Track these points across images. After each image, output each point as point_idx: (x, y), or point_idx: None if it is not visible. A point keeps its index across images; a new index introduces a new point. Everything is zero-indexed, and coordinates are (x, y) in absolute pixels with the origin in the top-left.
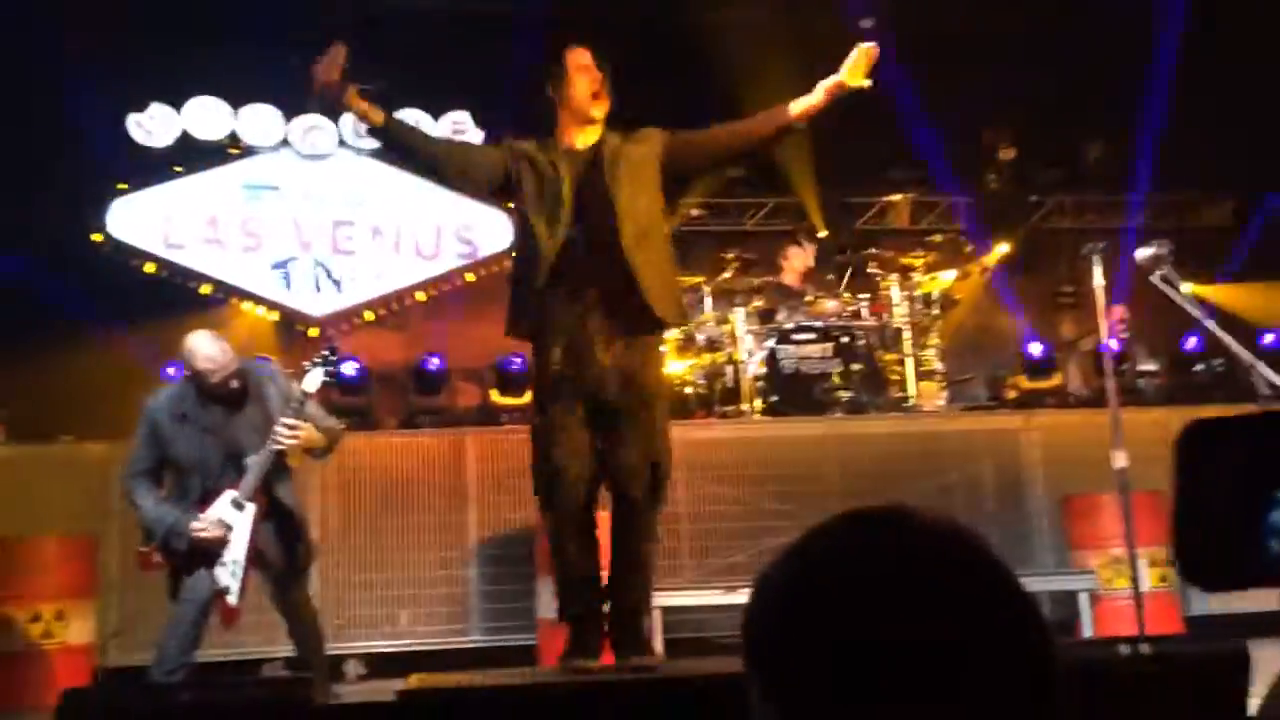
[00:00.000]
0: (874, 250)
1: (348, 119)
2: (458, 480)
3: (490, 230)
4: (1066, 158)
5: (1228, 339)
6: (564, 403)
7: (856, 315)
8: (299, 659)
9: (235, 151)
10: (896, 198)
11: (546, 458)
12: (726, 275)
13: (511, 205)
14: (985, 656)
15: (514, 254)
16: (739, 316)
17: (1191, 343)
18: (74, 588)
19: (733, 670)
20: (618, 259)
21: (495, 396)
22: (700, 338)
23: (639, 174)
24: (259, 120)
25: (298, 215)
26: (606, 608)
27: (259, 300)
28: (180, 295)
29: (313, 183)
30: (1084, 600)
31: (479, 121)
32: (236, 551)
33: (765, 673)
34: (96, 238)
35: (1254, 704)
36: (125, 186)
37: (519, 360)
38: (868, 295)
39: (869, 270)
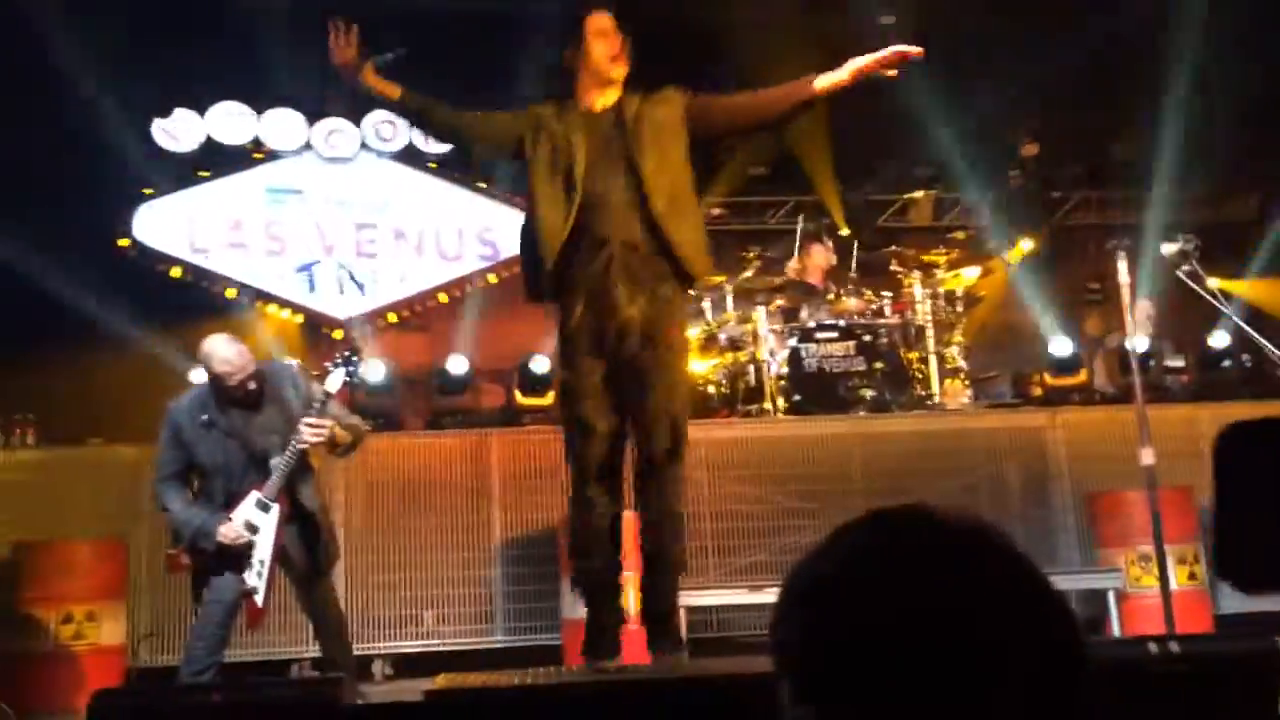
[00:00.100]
0: (896, 247)
1: (369, 122)
2: (482, 481)
3: (511, 231)
4: (1090, 153)
5: (1255, 334)
6: (589, 359)
7: (879, 313)
8: (326, 659)
9: (259, 156)
10: (918, 195)
11: (572, 413)
12: (748, 274)
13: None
14: (1017, 655)
15: (526, 219)
16: (761, 315)
17: (1218, 338)
18: (105, 589)
19: (758, 670)
20: (644, 219)
21: (519, 397)
22: (722, 337)
23: (663, 136)
24: (282, 124)
25: (321, 219)
26: (624, 596)
27: (283, 303)
28: (206, 299)
29: (336, 186)
30: (1111, 598)
31: None
32: (262, 552)
33: (796, 674)
34: (123, 243)
35: None
36: (151, 191)
37: (542, 360)
38: (890, 293)
39: (891, 268)
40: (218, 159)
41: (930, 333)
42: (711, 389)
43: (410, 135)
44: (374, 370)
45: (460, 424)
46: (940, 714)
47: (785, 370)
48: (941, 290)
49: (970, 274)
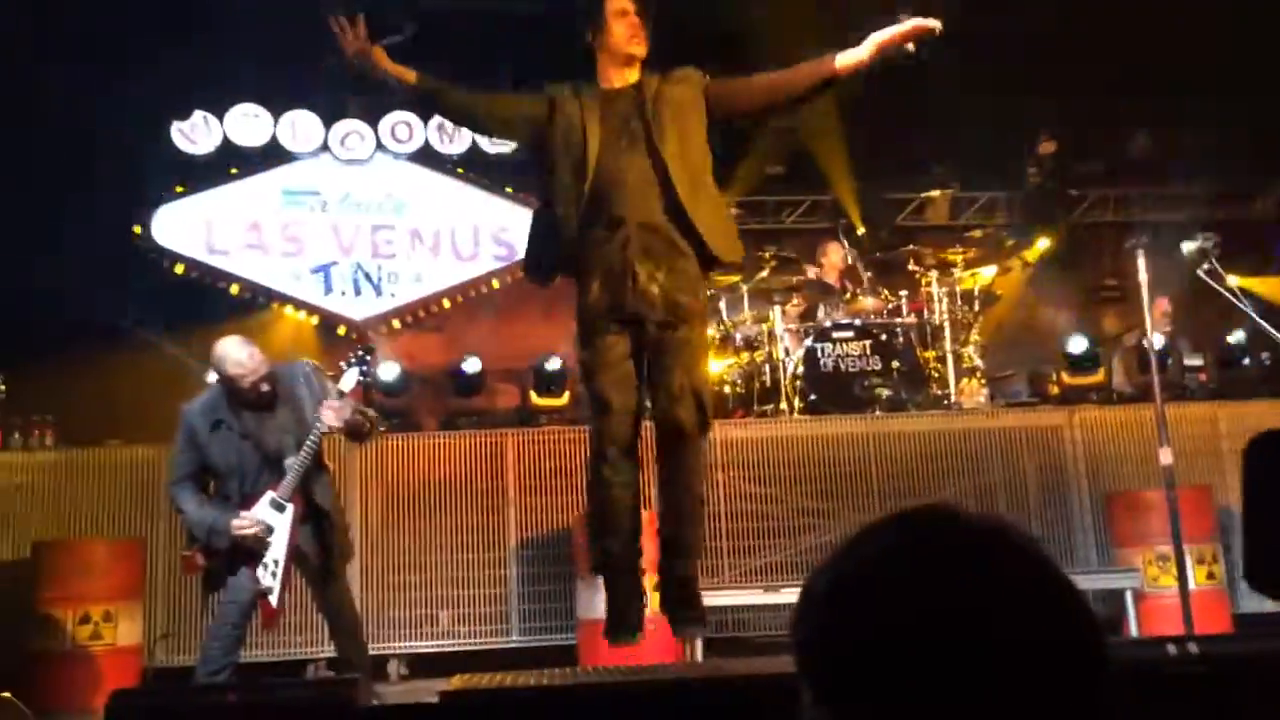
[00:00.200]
0: (913, 246)
1: (385, 124)
2: (497, 481)
3: (526, 232)
4: (1108, 151)
5: (1274, 332)
6: (607, 335)
7: (896, 312)
8: (342, 660)
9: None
10: (935, 193)
11: (592, 390)
12: (764, 274)
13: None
14: (1038, 655)
15: (541, 199)
16: (777, 315)
17: (1237, 336)
18: (122, 590)
19: (775, 670)
20: (664, 200)
21: (534, 398)
22: (738, 337)
23: (683, 116)
24: (299, 126)
25: (338, 220)
26: (644, 570)
27: (300, 305)
28: (224, 300)
29: (352, 187)
30: (1129, 598)
31: None
32: (277, 552)
33: (817, 676)
34: (137, 229)
35: None
36: (171, 193)
37: (557, 361)
38: (907, 292)
39: (908, 267)
40: (235, 161)
41: (947, 332)
42: (727, 389)
43: (426, 135)
44: (389, 371)
45: (475, 424)
46: (961, 714)
47: (801, 370)
48: (958, 289)
49: (987, 273)
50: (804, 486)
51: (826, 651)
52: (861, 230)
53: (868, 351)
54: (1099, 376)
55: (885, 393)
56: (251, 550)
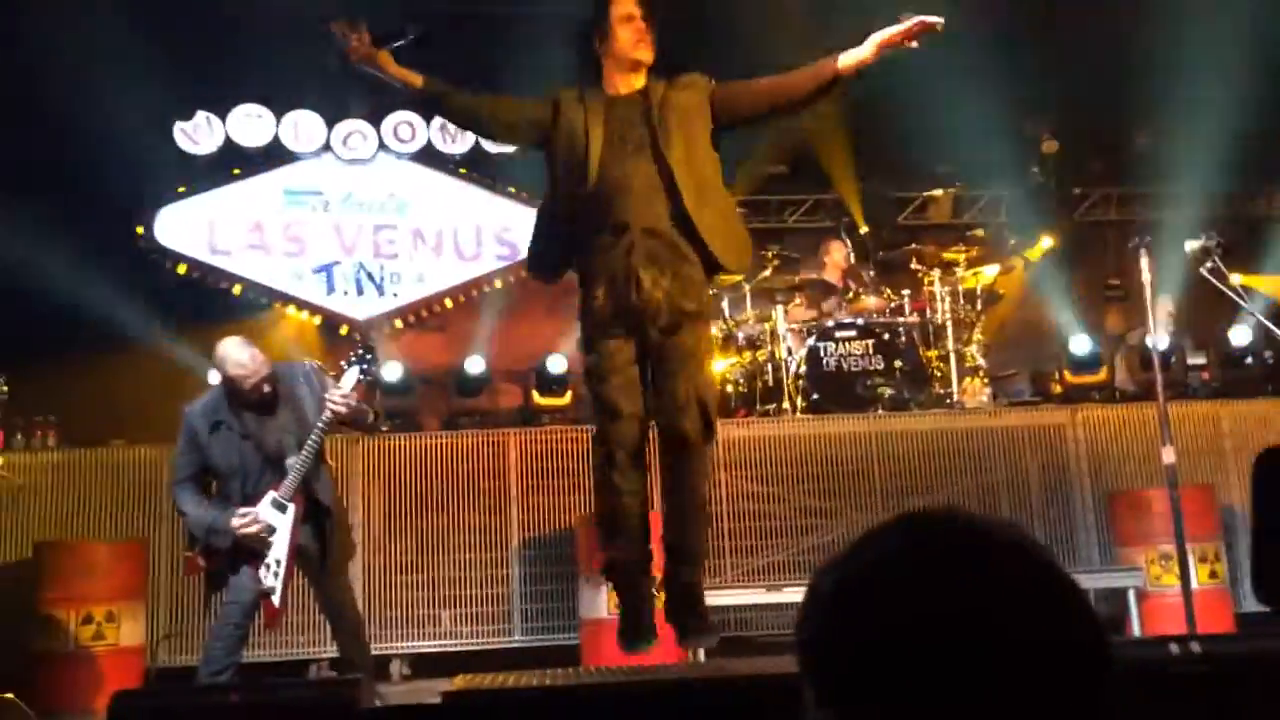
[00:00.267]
0: (916, 245)
1: (388, 124)
2: (499, 481)
3: (530, 231)
4: (1111, 150)
5: (1277, 331)
6: (611, 340)
7: (899, 311)
8: (344, 660)
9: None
10: (938, 192)
11: (598, 395)
12: (766, 273)
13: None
14: (1042, 657)
15: (545, 200)
16: (779, 314)
17: (1239, 335)
18: (125, 590)
19: (778, 670)
20: (670, 206)
21: (536, 398)
22: (740, 336)
23: (688, 123)
24: (301, 126)
25: (340, 220)
26: (655, 580)
27: (303, 305)
28: (227, 300)
29: (354, 187)
30: (1132, 597)
31: None
32: (279, 552)
33: (821, 678)
34: (139, 229)
35: None
36: (184, 190)
37: (559, 361)
38: (909, 291)
39: (911, 266)
40: (238, 161)
41: (950, 331)
42: (730, 388)
43: (429, 135)
44: (392, 371)
45: (478, 424)
46: (964, 715)
47: (804, 369)
48: (961, 288)
49: (990, 272)
50: (806, 486)
51: (831, 653)
52: (864, 229)
53: (870, 351)
54: (1102, 375)
55: (888, 392)
56: (253, 550)
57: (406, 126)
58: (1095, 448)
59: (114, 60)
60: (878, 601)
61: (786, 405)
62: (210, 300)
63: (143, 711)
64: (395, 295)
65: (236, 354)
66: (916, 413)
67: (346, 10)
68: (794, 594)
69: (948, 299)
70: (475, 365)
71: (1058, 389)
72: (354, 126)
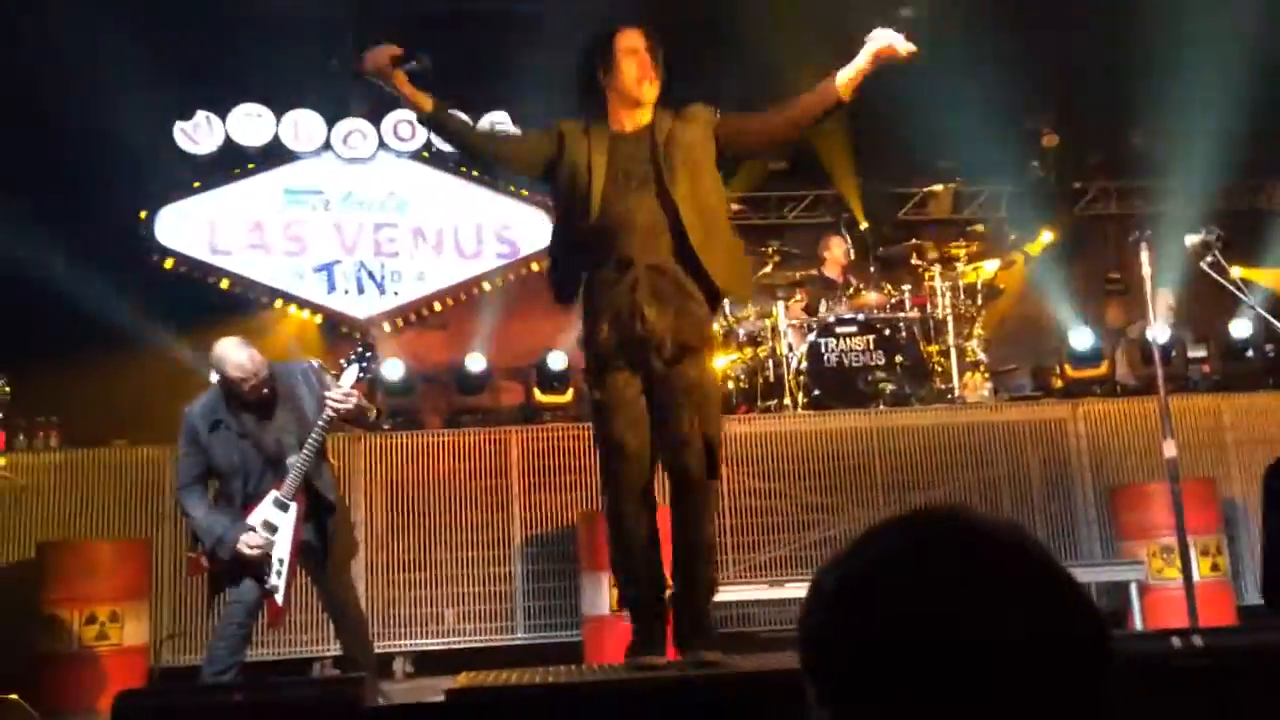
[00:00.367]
0: (916, 241)
1: (388, 122)
2: (501, 479)
3: (530, 229)
4: (1111, 143)
5: (1277, 324)
6: (618, 376)
7: (899, 306)
8: (347, 658)
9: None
10: (938, 188)
11: (605, 432)
12: (766, 270)
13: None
14: (1043, 655)
15: (553, 234)
16: (780, 310)
17: (1240, 328)
18: (128, 590)
19: (780, 666)
20: (675, 243)
21: (538, 395)
22: (741, 332)
23: (693, 158)
24: (301, 125)
25: (340, 219)
26: (668, 595)
27: (303, 304)
28: (229, 300)
29: (355, 186)
30: (1134, 590)
31: (516, 122)
32: (282, 551)
33: (822, 676)
34: (141, 230)
35: None
36: (185, 190)
37: (560, 358)
38: (910, 286)
39: (911, 261)
40: (238, 160)
41: (950, 326)
42: (731, 384)
43: (429, 134)
44: (393, 369)
45: (479, 422)
46: (966, 714)
47: (805, 365)
48: (961, 283)
49: (990, 267)
50: (808, 481)
51: (832, 651)
52: (864, 225)
53: (871, 346)
54: (1102, 370)
55: (889, 387)
56: (256, 559)
57: (406, 125)
58: (1096, 442)
59: (114, 61)
60: (879, 600)
61: (788, 401)
62: (212, 300)
63: (147, 711)
64: (396, 294)
65: (235, 355)
66: (917, 408)
67: (347, 10)
68: (796, 589)
69: (948, 294)
70: (476, 363)
71: (1058, 383)
72: (354, 125)
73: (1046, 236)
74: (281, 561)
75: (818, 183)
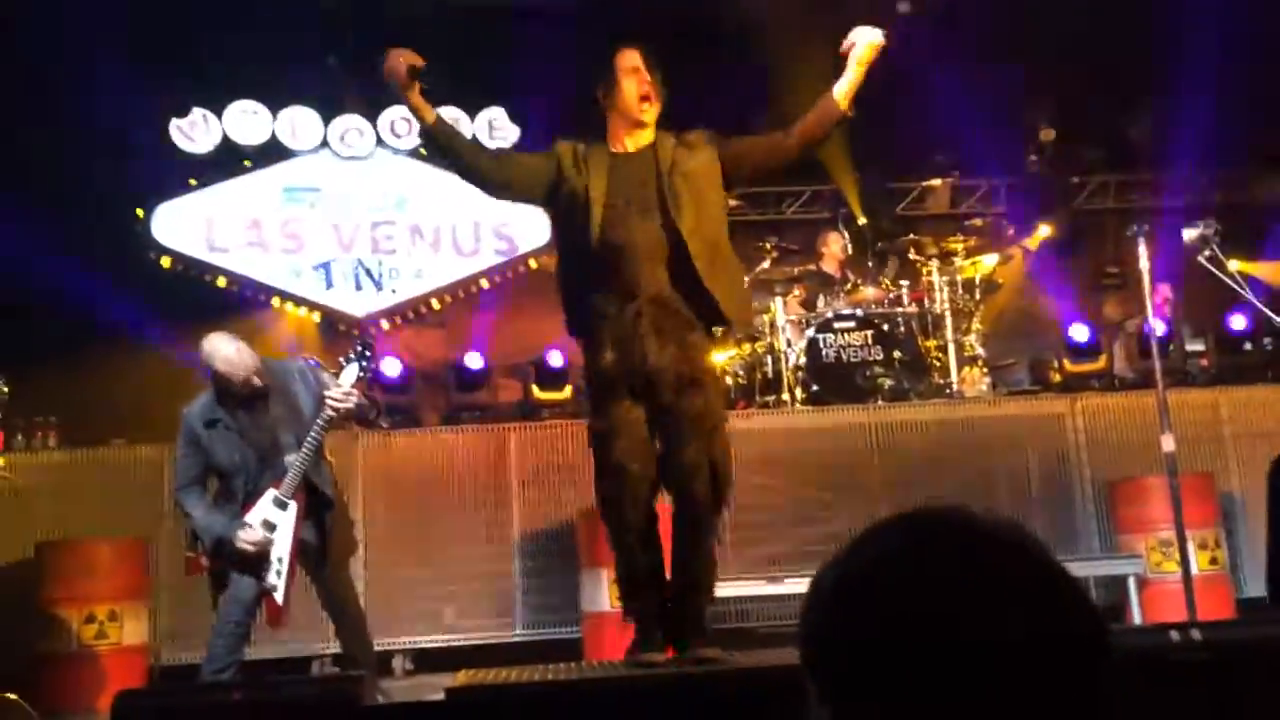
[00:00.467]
0: (914, 235)
1: (385, 119)
2: (500, 476)
3: (528, 227)
4: (1108, 137)
5: (1275, 317)
6: (620, 402)
7: (897, 302)
8: (347, 656)
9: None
10: (936, 182)
11: (607, 458)
12: (765, 265)
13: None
14: (1041, 654)
15: (558, 259)
16: (778, 306)
17: (1239, 322)
18: (127, 589)
19: (779, 662)
20: (678, 271)
21: (536, 392)
22: None
23: (697, 187)
24: (298, 123)
25: (338, 216)
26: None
27: (301, 302)
28: (227, 298)
29: (352, 184)
30: (1132, 584)
31: (513, 118)
32: (281, 550)
33: (823, 675)
34: (138, 227)
35: None
36: (182, 188)
37: (558, 355)
38: (908, 281)
39: (909, 256)
40: (235, 158)
41: (948, 321)
42: (729, 380)
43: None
44: (391, 366)
45: (478, 419)
46: (966, 712)
47: (803, 360)
48: (959, 278)
49: (988, 261)
50: (807, 477)
51: (832, 650)
52: (862, 220)
53: (869, 341)
54: (1100, 363)
55: (887, 382)
56: (256, 557)
57: (404, 122)
58: (1095, 436)
59: (110, 59)
60: (879, 599)
61: (786, 397)
62: (209, 298)
63: (146, 710)
64: (394, 291)
65: (224, 348)
66: (916, 403)
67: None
68: (795, 585)
69: (946, 289)
70: (474, 360)
71: (1057, 377)
72: (351, 123)
73: (1044, 230)
74: (281, 560)
75: (815, 178)
